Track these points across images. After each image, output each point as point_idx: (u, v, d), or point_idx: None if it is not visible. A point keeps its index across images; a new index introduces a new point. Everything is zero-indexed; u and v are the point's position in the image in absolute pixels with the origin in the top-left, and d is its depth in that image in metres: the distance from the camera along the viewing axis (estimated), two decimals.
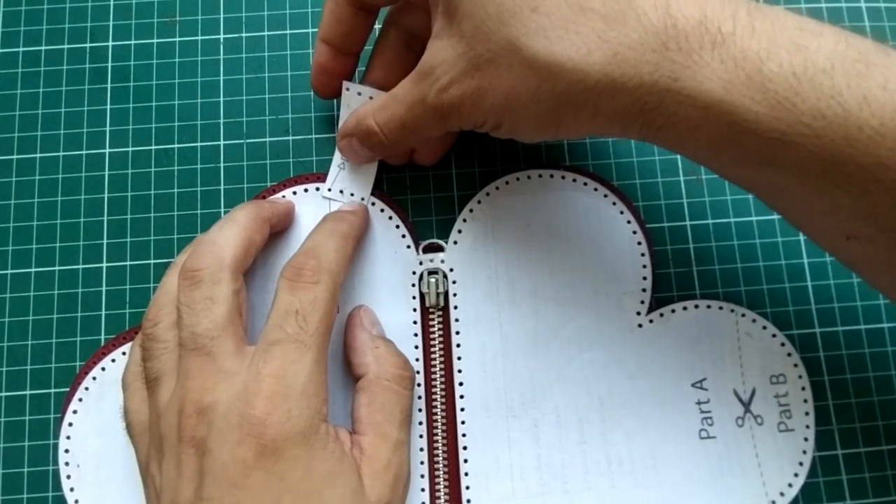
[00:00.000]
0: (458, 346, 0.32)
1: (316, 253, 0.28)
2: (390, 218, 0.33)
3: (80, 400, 0.32)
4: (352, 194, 0.33)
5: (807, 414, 0.31)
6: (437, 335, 0.32)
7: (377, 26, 0.33)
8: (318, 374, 0.26)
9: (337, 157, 0.34)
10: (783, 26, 0.23)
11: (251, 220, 0.30)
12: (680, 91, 0.23)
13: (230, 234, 0.29)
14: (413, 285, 0.33)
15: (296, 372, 0.26)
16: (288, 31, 0.36)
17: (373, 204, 0.33)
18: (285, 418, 0.25)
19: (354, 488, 0.26)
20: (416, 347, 0.32)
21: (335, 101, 0.35)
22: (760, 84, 0.22)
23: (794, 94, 0.22)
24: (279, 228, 0.32)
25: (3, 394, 0.32)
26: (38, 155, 0.35)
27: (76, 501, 0.31)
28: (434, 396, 0.32)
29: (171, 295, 0.28)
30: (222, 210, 0.34)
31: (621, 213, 0.33)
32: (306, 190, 0.34)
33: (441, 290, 0.33)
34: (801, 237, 0.34)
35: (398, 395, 0.29)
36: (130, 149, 0.35)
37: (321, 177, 0.34)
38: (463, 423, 0.31)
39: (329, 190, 0.33)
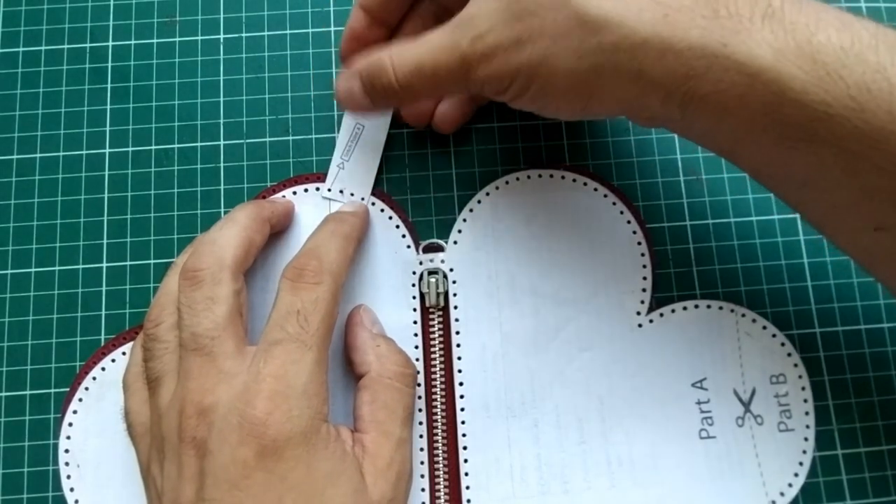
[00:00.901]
0: (458, 346, 0.32)
1: (318, 254, 0.28)
2: (390, 218, 0.33)
3: (80, 400, 0.32)
4: (352, 194, 0.33)
5: (807, 414, 0.32)
6: (437, 335, 0.32)
7: None
8: (319, 374, 0.26)
9: (336, 157, 0.34)
10: (826, 8, 0.24)
11: (251, 220, 0.30)
12: (729, 56, 0.23)
13: (230, 234, 0.29)
14: (413, 285, 0.33)
15: (297, 372, 0.26)
16: (288, 31, 0.36)
17: (373, 204, 0.33)
18: (286, 418, 0.25)
19: (356, 487, 0.26)
20: (416, 347, 0.32)
21: (335, 101, 0.35)
22: (810, 55, 0.23)
23: (841, 66, 0.23)
24: (279, 228, 0.32)
25: (3, 394, 0.32)
26: (38, 155, 0.34)
27: (76, 501, 0.31)
28: (434, 396, 0.32)
29: (172, 295, 0.28)
30: (222, 210, 0.34)
31: (621, 213, 0.33)
32: (306, 190, 0.34)
33: (441, 290, 0.32)
34: (802, 237, 0.34)
35: (400, 393, 0.29)
36: (130, 149, 0.35)
37: (321, 177, 0.34)
38: (463, 423, 0.31)
39: (329, 190, 0.33)
